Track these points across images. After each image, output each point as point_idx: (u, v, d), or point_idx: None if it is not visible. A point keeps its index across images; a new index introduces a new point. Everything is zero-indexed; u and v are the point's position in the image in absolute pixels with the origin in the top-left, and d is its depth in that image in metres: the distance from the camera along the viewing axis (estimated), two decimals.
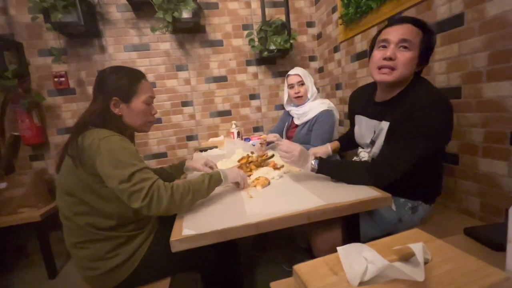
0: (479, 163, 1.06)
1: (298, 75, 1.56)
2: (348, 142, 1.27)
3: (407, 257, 0.44)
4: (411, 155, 0.83)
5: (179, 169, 1.19)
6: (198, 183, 0.84)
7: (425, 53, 0.87)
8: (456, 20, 1.08)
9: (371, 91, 1.05)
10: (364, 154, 1.05)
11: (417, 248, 0.43)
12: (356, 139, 1.12)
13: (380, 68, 0.89)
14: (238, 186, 0.97)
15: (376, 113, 0.99)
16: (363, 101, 1.09)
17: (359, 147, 1.12)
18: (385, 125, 0.92)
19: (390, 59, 0.86)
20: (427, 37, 0.85)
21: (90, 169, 0.76)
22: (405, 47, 0.84)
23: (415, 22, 0.86)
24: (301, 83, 1.56)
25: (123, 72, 0.88)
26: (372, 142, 1.00)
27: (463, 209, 1.15)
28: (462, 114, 1.10)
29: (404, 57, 0.84)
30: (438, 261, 0.45)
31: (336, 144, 1.28)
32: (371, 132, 1.01)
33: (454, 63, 1.12)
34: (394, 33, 0.86)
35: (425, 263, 0.44)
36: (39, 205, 1.62)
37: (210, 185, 0.86)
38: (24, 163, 1.98)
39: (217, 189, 0.96)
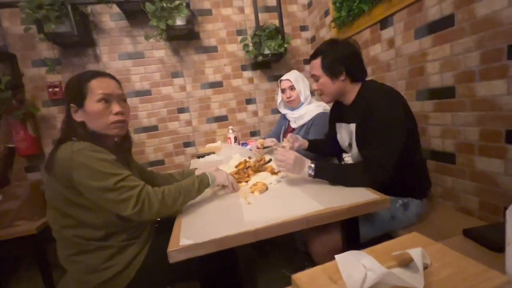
0: (476, 162, 1.07)
1: (289, 80, 1.57)
2: (316, 146, 1.29)
3: (406, 262, 0.43)
4: (390, 148, 0.88)
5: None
6: (189, 186, 0.86)
7: (331, 69, 0.97)
8: (447, 21, 1.10)
9: None
10: (347, 159, 1.11)
11: (416, 253, 0.42)
12: (341, 145, 1.17)
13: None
14: (226, 189, 0.97)
15: (347, 117, 1.07)
16: (339, 109, 1.15)
17: (343, 153, 1.17)
18: (353, 126, 1.01)
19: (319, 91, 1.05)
20: (323, 59, 0.99)
21: (65, 183, 0.74)
22: (316, 79, 1.03)
23: (310, 57, 1.04)
24: (292, 88, 1.57)
25: (75, 76, 0.84)
26: (350, 145, 1.06)
27: (462, 208, 1.15)
28: (457, 113, 1.11)
29: (320, 85, 1.03)
30: (438, 265, 0.45)
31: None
32: (348, 136, 1.07)
33: (447, 63, 1.12)
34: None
35: (425, 268, 0.44)
36: (35, 218, 1.59)
37: (200, 187, 0.89)
38: (20, 175, 1.96)
39: (215, 196, 0.96)
